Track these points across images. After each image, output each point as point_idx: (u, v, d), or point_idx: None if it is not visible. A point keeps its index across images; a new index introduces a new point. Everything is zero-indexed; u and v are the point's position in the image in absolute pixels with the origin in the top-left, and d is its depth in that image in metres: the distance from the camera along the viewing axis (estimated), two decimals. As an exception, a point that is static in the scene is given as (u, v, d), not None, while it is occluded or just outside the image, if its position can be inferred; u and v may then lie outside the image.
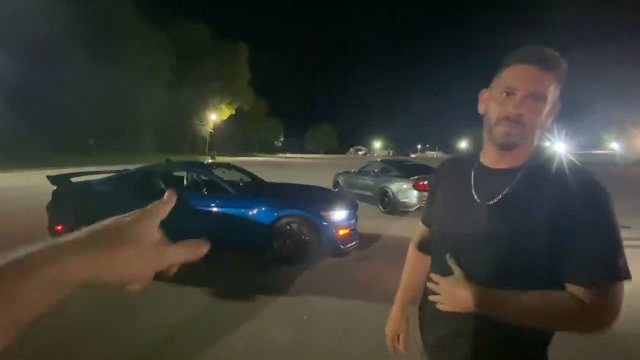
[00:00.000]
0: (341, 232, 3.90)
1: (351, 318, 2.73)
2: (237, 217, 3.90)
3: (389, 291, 3.22)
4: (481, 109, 0.85)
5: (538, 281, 0.72)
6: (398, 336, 1.07)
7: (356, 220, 4.27)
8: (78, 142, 29.08)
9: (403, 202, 6.93)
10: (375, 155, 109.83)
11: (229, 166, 5.45)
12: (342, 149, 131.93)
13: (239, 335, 2.46)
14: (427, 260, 0.98)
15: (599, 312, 0.67)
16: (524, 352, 0.78)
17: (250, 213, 3.87)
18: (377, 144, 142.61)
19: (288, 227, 3.88)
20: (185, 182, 5.32)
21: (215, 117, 47.07)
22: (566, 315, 0.68)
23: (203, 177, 5.03)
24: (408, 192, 6.87)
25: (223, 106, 48.19)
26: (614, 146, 63.70)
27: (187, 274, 3.75)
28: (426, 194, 7.32)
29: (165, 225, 0.35)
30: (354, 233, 4.11)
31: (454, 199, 0.87)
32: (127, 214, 0.35)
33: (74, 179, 4.34)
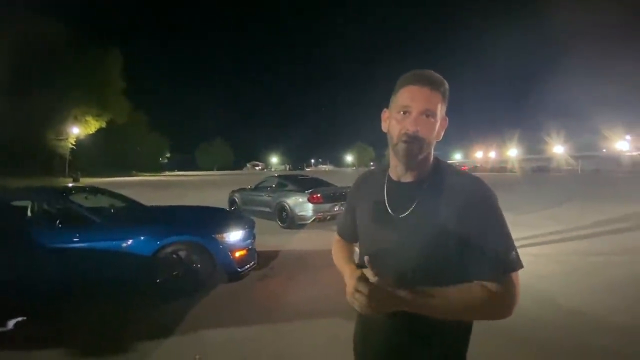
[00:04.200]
0: (237, 254, 3.67)
1: (248, 346, 2.56)
2: (107, 252, 3.25)
3: (289, 308, 3.18)
4: (384, 127, 0.91)
5: (453, 279, 0.80)
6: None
7: (253, 239, 4.10)
8: None
9: (300, 215, 7.08)
10: (272, 170, 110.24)
11: (94, 190, 4.55)
12: (238, 165, 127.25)
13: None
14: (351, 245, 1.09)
15: (505, 298, 0.78)
16: (446, 350, 0.86)
17: (124, 245, 3.26)
18: (274, 159, 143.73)
19: (174, 255, 3.43)
20: (29, 213, 4.16)
21: (78, 130, 39.27)
22: (480, 304, 0.78)
23: (56, 206, 4.02)
24: (304, 206, 7.06)
25: (89, 118, 40.67)
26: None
27: (40, 330, 2.85)
28: (320, 206, 7.54)
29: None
30: (252, 253, 3.93)
31: (372, 212, 0.92)
32: None
33: None
